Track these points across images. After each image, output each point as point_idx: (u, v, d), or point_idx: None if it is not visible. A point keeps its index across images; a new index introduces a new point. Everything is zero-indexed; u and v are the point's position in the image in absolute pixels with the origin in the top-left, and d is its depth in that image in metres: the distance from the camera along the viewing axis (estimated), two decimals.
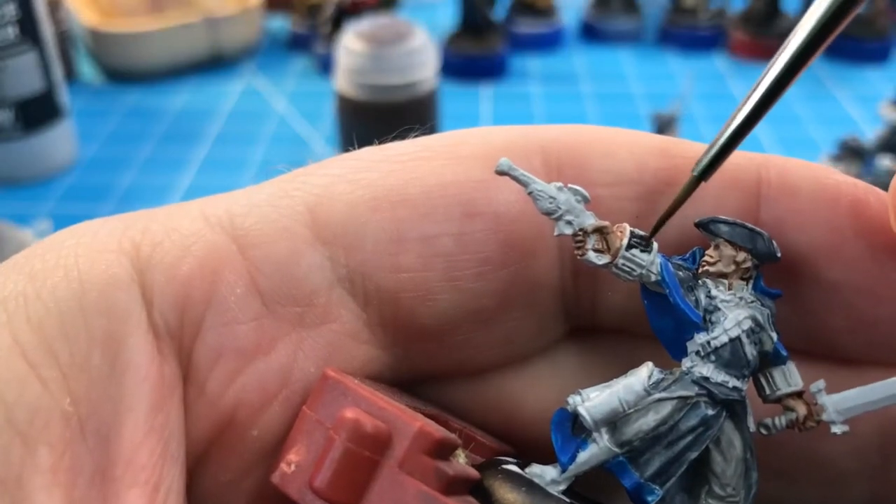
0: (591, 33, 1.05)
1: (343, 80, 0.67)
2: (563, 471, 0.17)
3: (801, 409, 0.17)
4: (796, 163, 0.18)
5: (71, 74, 0.92)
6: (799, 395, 0.17)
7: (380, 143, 0.20)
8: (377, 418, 0.16)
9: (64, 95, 0.79)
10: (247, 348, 0.17)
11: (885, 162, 0.71)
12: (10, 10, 0.71)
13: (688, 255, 0.18)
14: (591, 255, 0.17)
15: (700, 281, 0.17)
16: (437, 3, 1.14)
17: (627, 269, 0.17)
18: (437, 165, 0.18)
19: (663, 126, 0.70)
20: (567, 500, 0.17)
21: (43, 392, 0.15)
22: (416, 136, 0.20)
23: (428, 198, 0.18)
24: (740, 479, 0.17)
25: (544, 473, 0.17)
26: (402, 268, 0.18)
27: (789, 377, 0.18)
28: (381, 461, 0.16)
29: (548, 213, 0.17)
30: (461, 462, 0.17)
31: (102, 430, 0.16)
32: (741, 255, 0.17)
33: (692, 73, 0.92)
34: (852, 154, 0.65)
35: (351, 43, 0.66)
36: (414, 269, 0.18)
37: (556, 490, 0.17)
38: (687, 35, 1.01)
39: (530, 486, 0.17)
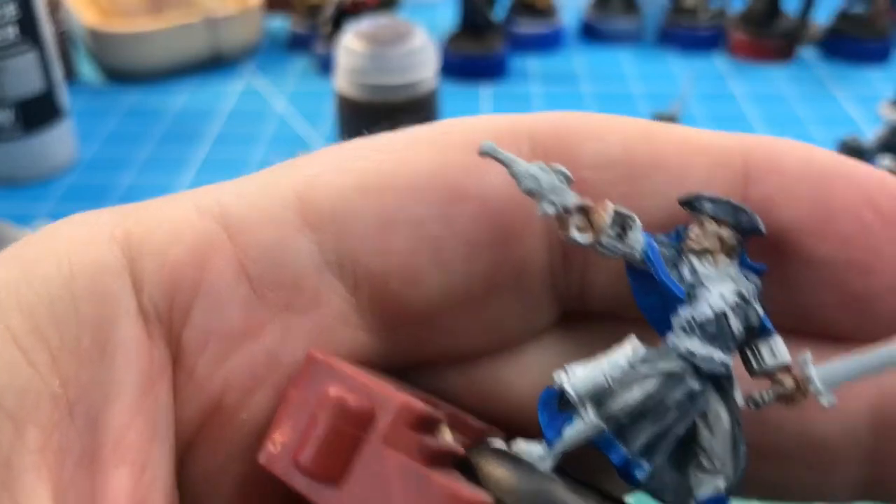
0: (591, 33, 1.05)
1: (343, 81, 0.67)
2: (550, 447, 0.17)
3: (789, 382, 0.17)
4: (784, 142, 0.18)
5: (71, 74, 0.92)
6: (786, 368, 0.17)
7: (369, 134, 0.20)
8: (361, 395, 0.16)
9: (64, 95, 0.79)
10: (235, 332, 0.17)
11: (885, 162, 0.71)
12: (10, 10, 0.71)
13: (672, 232, 0.18)
14: (575, 234, 0.17)
15: (685, 258, 0.17)
16: (437, 3, 1.14)
17: (611, 247, 0.17)
18: (425, 152, 0.19)
19: None
20: (552, 475, 0.17)
21: (33, 375, 0.15)
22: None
23: (415, 183, 0.18)
24: (728, 452, 0.17)
25: (531, 450, 0.17)
26: (391, 251, 0.18)
27: (776, 351, 0.17)
28: (365, 437, 0.16)
29: (530, 194, 0.17)
30: (446, 439, 0.17)
31: (91, 411, 0.16)
32: (725, 231, 0.17)
33: (692, 74, 0.92)
34: (852, 154, 0.65)
35: (351, 43, 0.66)
36: (402, 252, 0.18)
37: (543, 467, 0.17)
38: (687, 35, 1.01)
39: (517, 462, 0.17)
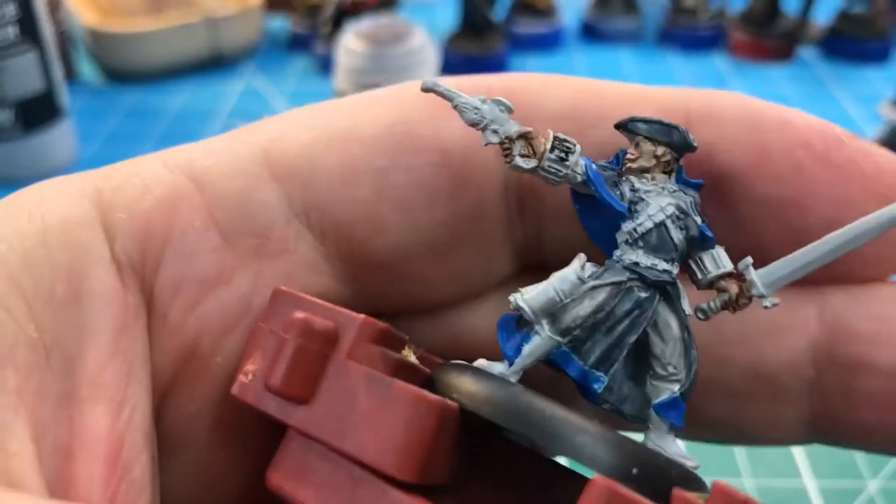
0: (591, 33, 1.05)
1: (343, 80, 0.67)
2: (511, 364, 0.17)
3: (733, 288, 0.18)
4: (721, 92, 0.19)
5: (71, 74, 0.92)
6: (729, 274, 0.18)
7: None
8: (325, 317, 0.17)
9: (64, 95, 0.79)
10: (207, 278, 0.18)
11: None
12: (10, 10, 0.71)
13: (612, 158, 0.18)
14: (519, 161, 0.17)
15: (624, 178, 0.18)
16: (437, 3, 1.14)
17: (553, 171, 0.18)
18: (385, 108, 0.19)
19: None
20: (517, 384, 0.17)
21: (7, 321, 0.16)
22: None
23: (378, 135, 0.19)
24: (680, 357, 0.18)
25: (492, 367, 0.18)
26: (356, 200, 0.19)
27: (718, 260, 0.18)
28: (331, 354, 0.17)
29: (473, 124, 0.18)
30: (410, 360, 0.18)
31: (67, 355, 0.16)
32: (660, 150, 0.18)
33: (692, 73, 0.92)
34: None
35: (351, 43, 0.66)
36: (367, 200, 0.19)
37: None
38: (687, 35, 1.01)
39: (476, 371, 0.17)
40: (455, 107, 0.17)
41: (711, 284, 0.18)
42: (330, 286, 0.19)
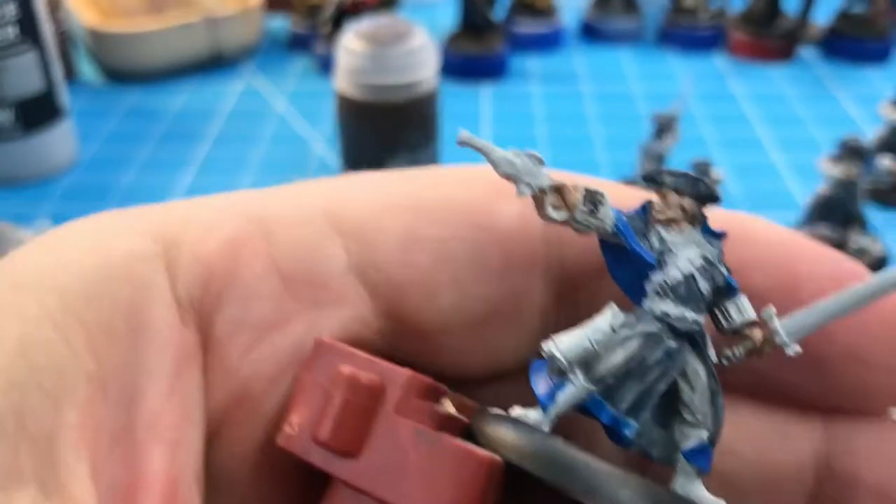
0: (591, 33, 1.05)
1: (343, 80, 0.67)
2: (545, 412, 0.18)
3: (757, 336, 0.18)
4: (755, 218, 0.20)
5: (71, 74, 0.92)
6: (753, 323, 0.18)
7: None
8: (370, 371, 0.17)
9: (64, 95, 0.79)
10: (264, 323, 0.18)
11: (885, 162, 0.71)
12: (10, 10, 0.71)
13: (639, 207, 0.19)
14: (551, 212, 0.18)
15: (652, 228, 0.19)
16: (437, 3, 1.14)
17: (585, 222, 0.18)
18: (449, 184, 0.20)
19: (663, 126, 0.70)
20: (553, 434, 0.17)
21: (69, 355, 0.16)
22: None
23: (440, 207, 0.20)
24: (708, 404, 0.18)
25: (527, 415, 0.18)
26: (413, 264, 0.19)
27: (742, 308, 0.19)
28: (378, 408, 0.17)
29: (507, 177, 0.18)
30: (449, 410, 0.18)
31: (125, 391, 0.16)
32: (686, 201, 0.18)
33: (692, 73, 0.92)
34: (852, 154, 0.65)
35: (351, 43, 0.66)
36: (424, 267, 0.19)
37: (542, 430, 0.18)
38: (687, 35, 1.01)
39: (518, 423, 0.18)
40: (490, 160, 0.18)
41: (736, 332, 0.19)
42: (375, 342, 0.20)
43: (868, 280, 0.18)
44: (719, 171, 0.65)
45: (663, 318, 0.18)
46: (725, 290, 0.18)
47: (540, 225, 0.20)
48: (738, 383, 0.20)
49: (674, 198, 0.18)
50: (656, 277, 0.18)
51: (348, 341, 0.19)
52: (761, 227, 0.20)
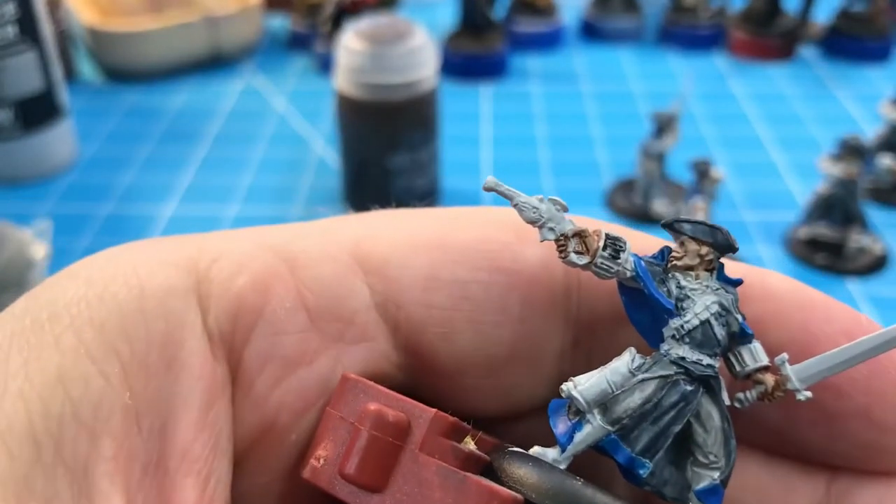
0: (591, 32, 1.05)
1: (343, 80, 0.67)
2: (563, 451, 0.18)
3: (770, 381, 0.19)
4: (773, 273, 0.21)
5: (71, 74, 0.92)
6: (765, 368, 0.19)
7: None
8: (396, 409, 0.18)
9: (64, 95, 0.79)
10: (292, 357, 0.19)
11: (885, 161, 0.71)
12: (10, 9, 0.71)
13: (657, 253, 0.19)
14: (573, 257, 0.19)
15: (670, 274, 0.19)
16: (437, 2, 1.14)
17: (605, 267, 0.19)
18: (471, 225, 0.21)
19: (663, 125, 0.70)
20: (570, 473, 0.18)
21: (105, 387, 0.16)
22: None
23: (462, 248, 0.20)
24: (721, 446, 0.19)
25: (546, 454, 0.18)
26: (433, 304, 0.20)
27: (756, 354, 0.19)
28: (403, 446, 0.18)
29: (532, 222, 0.19)
30: (471, 448, 0.19)
31: (158, 423, 0.17)
32: (704, 249, 0.19)
33: (692, 73, 0.92)
34: (853, 153, 0.65)
35: (351, 42, 0.66)
36: (443, 306, 0.20)
37: (559, 468, 0.18)
38: (687, 34, 1.01)
39: (538, 462, 0.18)
40: (515, 205, 0.19)
41: (748, 377, 0.19)
42: (397, 378, 0.20)
43: (877, 333, 0.18)
44: (719, 171, 0.65)
45: (679, 363, 0.18)
46: (740, 336, 0.19)
47: (562, 270, 0.20)
48: (747, 434, 0.20)
49: (692, 245, 0.19)
50: (674, 322, 0.19)
51: (371, 376, 0.19)
52: (778, 282, 0.20)
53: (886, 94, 0.81)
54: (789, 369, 0.19)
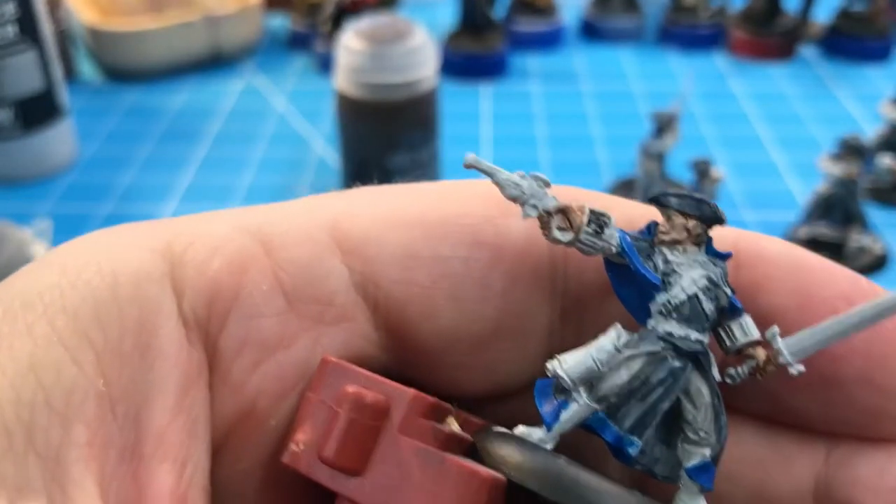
0: (591, 32, 1.05)
1: (343, 79, 0.67)
2: (549, 430, 0.18)
3: (761, 355, 0.19)
4: (767, 237, 0.20)
5: (71, 73, 0.92)
6: (756, 343, 0.19)
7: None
8: (375, 391, 0.18)
9: (64, 94, 0.79)
10: (269, 341, 0.18)
11: (885, 160, 0.71)
12: (10, 8, 0.71)
13: (644, 228, 0.19)
14: (557, 234, 0.18)
15: (657, 249, 0.19)
16: (437, 1, 1.14)
17: (590, 243, 0.18)
18: (452, 199, 0.20)
19: (663, 125, 0.70)
20: (556, 453, 0.18)
21: (78, 374, 0.16)
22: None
23: (442, 223, 0.19)
24: (711, 423, 0.18)
25: (531, 433, 0.18)
26: (413, 282, 0.19)
27: (746, 328, 0.19)
28: (382, 427, 0.17)
29: (514, 199, 0.18)
30: (454, 428, 0.18)
31: (133, 410, 0.17)
32: (691, 223, 0.19)
33: (692, 72, 0.92)
34: (853, 153, 0.65)
35: (351, 42, 0.66)
36: (423, 284, 0.19)
37: (545, 448, 0.18)
38: (687, 34, 1.01)
39: (521, 442, 0.18)
40: (496, 182, 0.18)
41: (739, 351, 0.19)
42: (380, 360, 0.20)
43: (872, 301, 0.18)
44: (719, 170, 0.65)
45: (667, 338, 0.18)
46: (729, 311, 0.19)
47: (547, 244, 0.20)
48: (743, 404, 0.20)
49: (679, 219, 0.19)
50: (660, 298, 0.18)
51: (352, 358, 0.19)
52: (774, 246, 0.20)
53: (886, 94, 0.81)
54: (781, 343, 0.18)
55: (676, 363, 0.18)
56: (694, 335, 0.18)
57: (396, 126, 0.68)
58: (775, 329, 0.18)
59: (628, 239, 0.18)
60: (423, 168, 0.70)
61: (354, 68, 0.66)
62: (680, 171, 0.72)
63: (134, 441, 0.16)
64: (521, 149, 0.82)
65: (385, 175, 0.69)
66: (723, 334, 0.19)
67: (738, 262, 0.19)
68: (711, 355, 0.19)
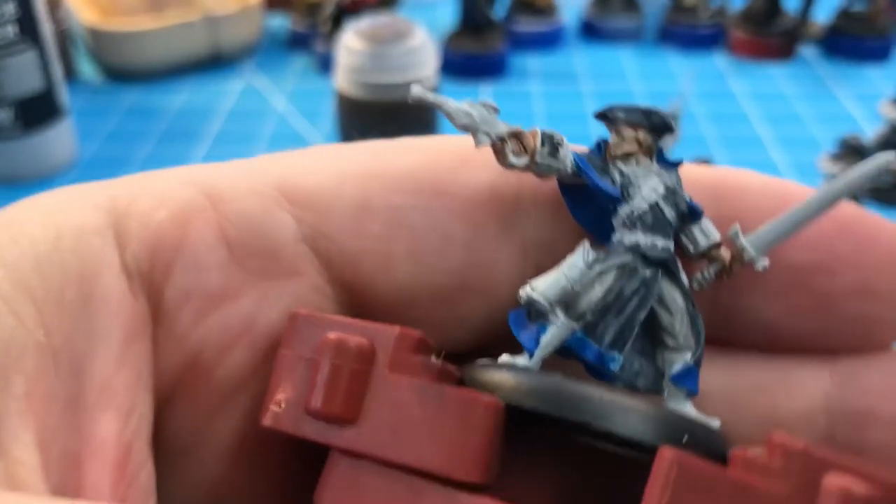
0: (591, 32, 1.05)
1: (343, 79, 0.67)
2: (531, 356, 0.18)
3: (725, 256, 0.19)
4: (746, 171, 0.20)
5: (71, 73, 0.92)
6: (719, 244, 0.19)
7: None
8: (357, 334, 0.17)
9: (64, 94, 0.79)
10: (213, 293, 0.18)
11: None
12: (10, 8, 0.71)
13: (593, 147, 0.19)
14: (512, 159, 0.18)
15: (610, 164, 0.19)
16: (437, 1, 1.14)
17: (545, 165, 0.18)
18: (412, 152, 0.20)
19: None
20: (557, 372, 0.17)
21: (17, 326, 0.16)
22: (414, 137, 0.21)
23: (399, 175, 0.19)
24: (688, 327, 0.19)
25: (515, 361, 0.18)
26: (368, 234, 0.19)
27: (707, 232, 0.19)
28: (371, 370, 0.17)
29: (465, 128, 0.18)
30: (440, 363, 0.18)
31: (76, 360, 0.16)
32: (641, 134, 0.19)
33: (692, 72, 0.92)
34: (853, 152, 0.65)
35: (351, 41, 0.66)
36: (378, 236, 0.19)
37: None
38: (687, 34, 1.01)
39: (512, 367, 0.18)
40: (445, 113, 0.18)
41: (704, 255, 0.19)
42: (339, 314, 0.19)
43: (826, 187, 0.18)
44: None
45: (635, 249, 0.18)
46: (689, 215, 0.19)
47: (512, 192, 0.19)
48: (742, 336, 0.20)
49: (628, 132, 0.19)
50: (623, 210, 0.18)
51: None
52: (752, 178, 0.20)
53: (886, 94, 0.81)
54: (744, 240, 0.18)
55: (647, 272, 0.18)
56: (661, 243, 0.18)
57: (397, 125, 0.68)
58: (737, 227, 0.18)
59: (582, 157, 0.18)
60: None
61: (354, 68, 0.66)
62: None
63: (78, 392, 0.16)
64: None
65: None
66: (685, 240, 0.19)
67: (720, 196, 0.19)
68: (678, 260, 0.19)
